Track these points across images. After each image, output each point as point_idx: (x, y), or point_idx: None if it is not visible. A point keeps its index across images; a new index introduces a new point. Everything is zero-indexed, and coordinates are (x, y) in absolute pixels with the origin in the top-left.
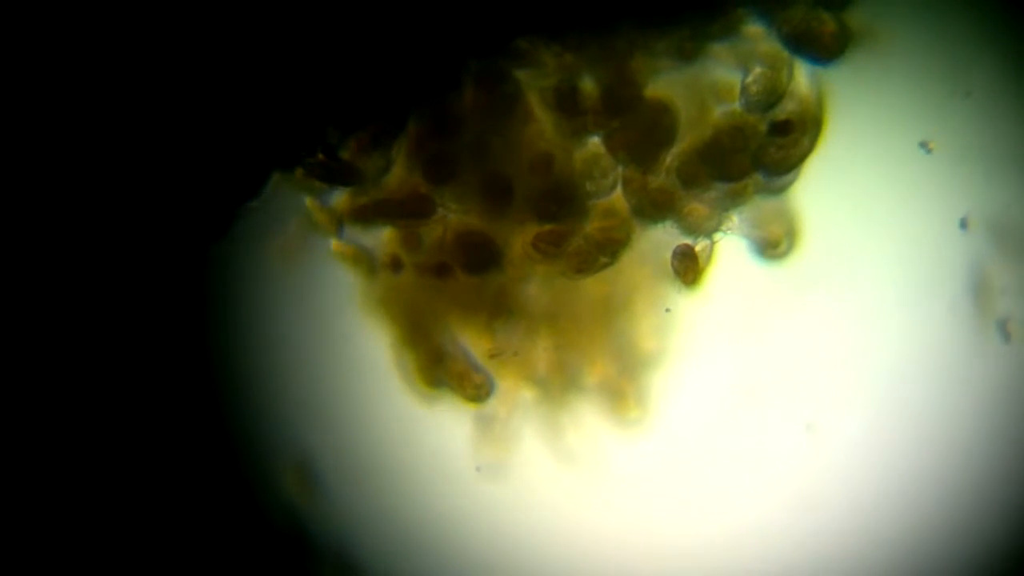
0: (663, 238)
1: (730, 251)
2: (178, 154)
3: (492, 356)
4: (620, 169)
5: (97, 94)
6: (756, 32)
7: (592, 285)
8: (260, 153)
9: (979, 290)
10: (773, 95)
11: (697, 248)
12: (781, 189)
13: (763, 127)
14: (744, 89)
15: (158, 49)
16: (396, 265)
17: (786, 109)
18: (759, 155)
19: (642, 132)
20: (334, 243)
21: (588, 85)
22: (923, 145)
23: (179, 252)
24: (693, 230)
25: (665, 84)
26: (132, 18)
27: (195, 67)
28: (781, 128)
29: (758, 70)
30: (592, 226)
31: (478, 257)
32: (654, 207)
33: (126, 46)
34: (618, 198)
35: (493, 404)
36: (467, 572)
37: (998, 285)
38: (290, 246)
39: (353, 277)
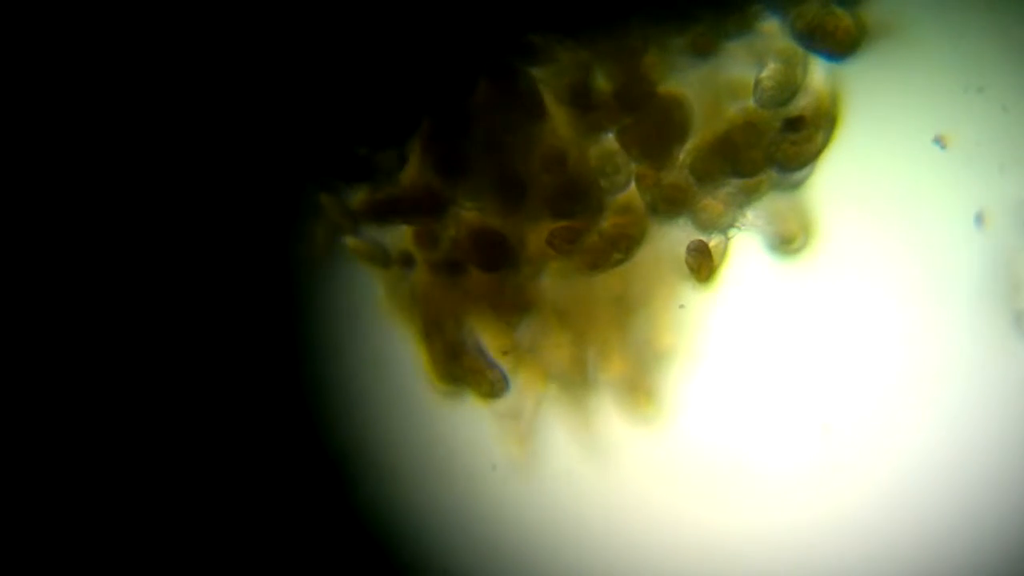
0: (678, 234)
1: (745, 247)
2: (200, 153)
3: (505, 352)
4: (634, 165)
5: (118, 96)
6: (770, 28)
7: (607, 281)
8: (280, 152)
9: (995, 285)
10: (787, 91)
11: (711, 244)
12: (795, 185)
13: (777, 123)
14: (758, 85)
15: (178, 51)
16: (410, 262)
17: (800, 105)
18: (773, 151)
19: (656, 128)
20: (350, 240)
21: (602, 82)
22: (938, 140)
23: (212, 249)
24: (707, 226)
25: (679, 80)
26: (157, 21)
27: (213, 66)
28: (795, 124)
29: (772, 66)
30: (607, 222)
31: (493, 254)
32: (668, 203)
33: (147, 51)
34: (632, 194)
35: (510, 400)
36: (487, 565)
37: (1014, 280)
38: (314, 245)
39: (371, 274)
